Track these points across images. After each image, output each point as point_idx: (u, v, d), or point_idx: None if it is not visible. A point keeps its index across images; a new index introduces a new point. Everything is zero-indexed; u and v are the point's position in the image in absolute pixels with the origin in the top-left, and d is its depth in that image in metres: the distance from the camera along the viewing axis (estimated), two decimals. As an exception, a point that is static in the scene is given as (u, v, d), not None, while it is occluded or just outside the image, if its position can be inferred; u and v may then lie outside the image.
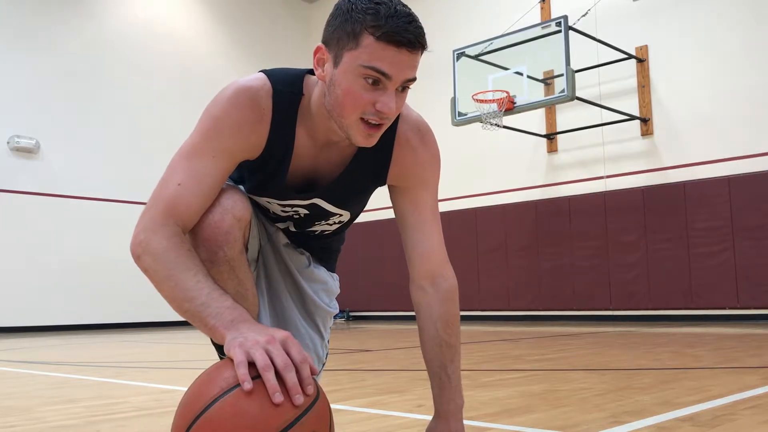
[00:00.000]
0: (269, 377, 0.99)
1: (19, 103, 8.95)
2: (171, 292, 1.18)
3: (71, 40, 9.48)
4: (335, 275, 1.73)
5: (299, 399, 0.98)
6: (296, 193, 1.42)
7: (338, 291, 1.72)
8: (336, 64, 1.20)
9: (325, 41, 1.23)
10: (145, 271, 1.23)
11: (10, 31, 8.97)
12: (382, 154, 1.39)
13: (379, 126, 1.23)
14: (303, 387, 1.01)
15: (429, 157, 1.43)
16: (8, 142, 8.80)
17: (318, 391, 1.05)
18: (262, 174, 1.38)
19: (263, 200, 1.47)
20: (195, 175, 1.27)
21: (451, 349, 1.41)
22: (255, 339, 1.05)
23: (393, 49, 1.15)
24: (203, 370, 1.11)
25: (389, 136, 1.37)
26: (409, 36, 1.15)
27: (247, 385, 0.98)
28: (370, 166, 1.40)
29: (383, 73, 1.16)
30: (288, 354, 1.04)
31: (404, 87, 1.21)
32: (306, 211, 1.47)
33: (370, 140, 1.25)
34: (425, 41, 1.19)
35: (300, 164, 1.37)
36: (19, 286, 8.63)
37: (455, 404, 1.40)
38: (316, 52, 1.25)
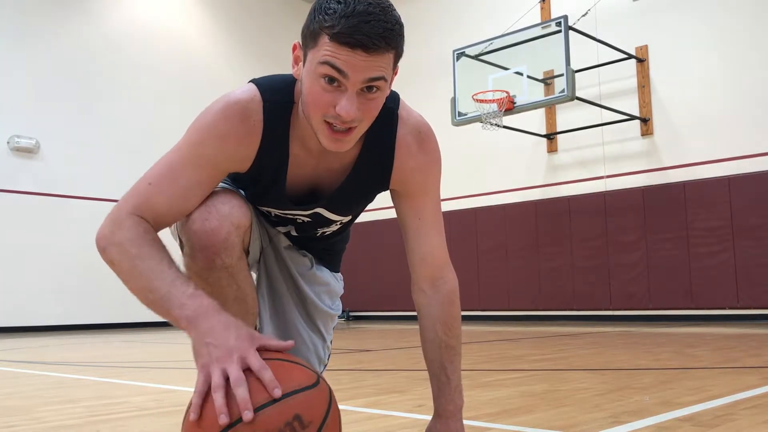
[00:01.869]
0: (217, 398, 1.00)
1: (19, 103, 8.95)
2: (135, 283, 1.19)
3: (71, 41, 9.48)
4: (339, 275, 1.72)
5: (248, 415, 0.98)
6: (297, 205, 1.39)
7: (341, 292, 1.71)
8: (304, 63, 1.18)
9: (301, 39, 1.20)
10: (110, 263, 1.23)
11: (11, 31, 8.97)
12: (383, 160, 1.35)
13: (347, 131, 1.18)
14: (269, 391, 1.01)
15: (429, 161, 1.40)
16: (8, 142, 8.80)
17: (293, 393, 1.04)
18: (260, 186, 1.36)
19: (264, 208, 1.46)
20: (170, 178, 1.26)
21: (450, 350, 1.41)
22: (214, 357, 1.04)
23: (347, 49, 1.09)
24: None
25: (389, 141, 1.34)
26: (361, 37, 1.09)
27: (192, 415, 1.02)
28: (372, 172, 1.36)
29: (338, 70, 1.11)
30: (248, 365, 1.03)
31: (372, 88, 1.15)
32: (308, 219, 1.45)
33: (338, 145, 1.19)
34: (386, 41, 1.12)
35: (299, 174, 1.35)
36: (19, 286, 8.63)
37: (455, 405, 1.40)
38: (293, 50, 1.22)
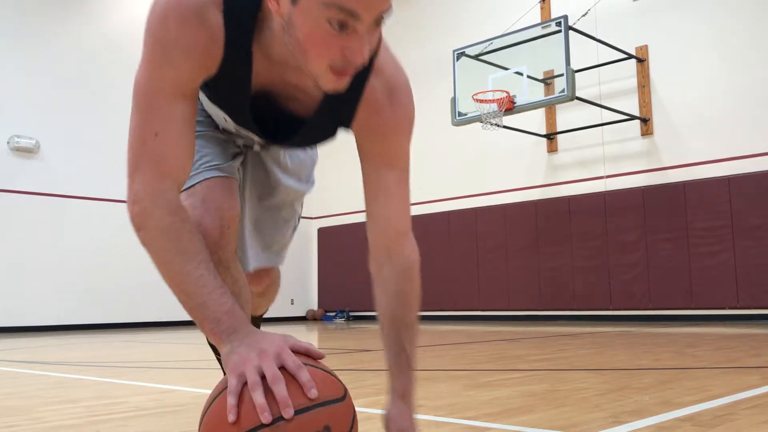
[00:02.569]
0: (257, 396, 0.98)
1: (19, 103, 8.95)
2: (170, 278, 1.14)
3: (71, 40, 9.48)
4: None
5: (289, 412, 0.98)
6: (257, 128, 1.28)
7: (316, 159, 1.74)
8: (293, 0, 0.99)
9: None
10: (144, 245, 1.17)
11: (11, 31, 8.97)
12: (347, 106, 1.21)
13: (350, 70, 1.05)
14: (306, 390, 1.00)
15: (396, 122, 1.24)
16: (8, 142, 8.80)
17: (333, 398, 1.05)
18: (222, 95, 1.24)
19: (221, 114, 1.36)
20: (168, 119, 1.14)
21: (409, 330, 1.30)
22: (248, 357, 1.03)
23: None
24: (217, 383, 1.11)
25: (357, 86, 1.17)
26: None
27: (231, 416, 0.99)
28: (336, 115, 1.23)
29: (351, 13, 0.95)
30: (283, 364, 1.02)
31: (379, 21, 1.00)
32: (261, 144, 1.46)
33: (340, 84, 1.06)
34: None
35: (259, 83, 1.20)
36: (19, 286, 8.63)
37: (412, 384, 1.31)
38: None
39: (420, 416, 1.93)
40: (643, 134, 8.14)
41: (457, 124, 7.90)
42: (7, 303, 8.51)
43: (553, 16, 8.45)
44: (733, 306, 7.27)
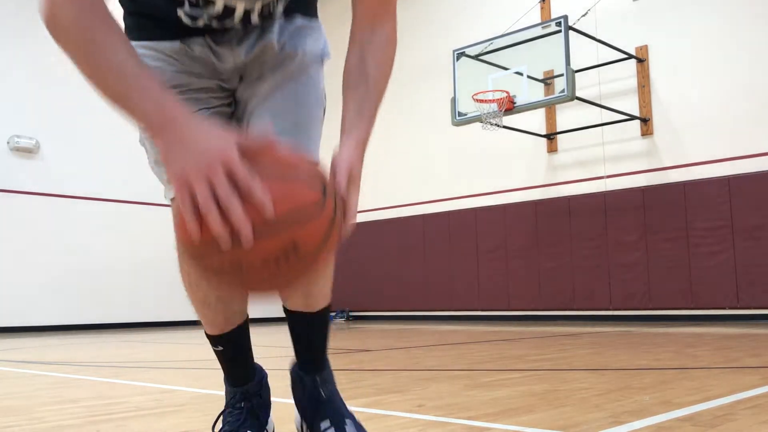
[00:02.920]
0: (211, 220, 0.88)
1: (19, 103, 8.95)
2: (91, 75, 1.04)
3: (71, 40, 9.49)
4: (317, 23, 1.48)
5: (248, 238, 0.87)
6: None
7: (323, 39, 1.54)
8: None
9: None
10: (58, 44, 1.06)
11: (10, 30, 8.97)
12: None
13: None
14: (260, 207, 0.88)
15: None
16: (8, 142, 8.80)
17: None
18: None
19: None
20: None
21: (380, 96, 1.26)
22: (193, 165, 0.90)
23: None
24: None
25: None
26: None
27: (195, 235, 0.90)
28: None
29: None
30: (234, 178, 0.89)
31: None
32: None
33: None
34: None
35: None
36: (19, 286, 8.63)
37: (369, 135, 1.22)
38: None
39: (420, 416, 1.94)
40: (643, 134, 8.14)
41: (457, 124, 7.90)
42: (6, 303, 8.51)
43: (553, 16, 8.45)
44: (733, 306, 7.27)
